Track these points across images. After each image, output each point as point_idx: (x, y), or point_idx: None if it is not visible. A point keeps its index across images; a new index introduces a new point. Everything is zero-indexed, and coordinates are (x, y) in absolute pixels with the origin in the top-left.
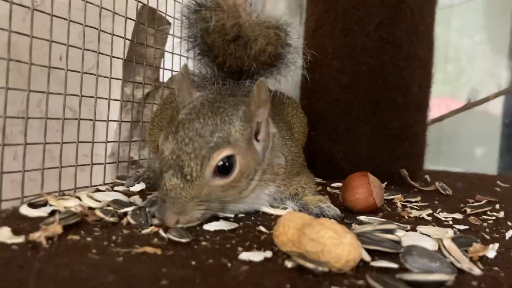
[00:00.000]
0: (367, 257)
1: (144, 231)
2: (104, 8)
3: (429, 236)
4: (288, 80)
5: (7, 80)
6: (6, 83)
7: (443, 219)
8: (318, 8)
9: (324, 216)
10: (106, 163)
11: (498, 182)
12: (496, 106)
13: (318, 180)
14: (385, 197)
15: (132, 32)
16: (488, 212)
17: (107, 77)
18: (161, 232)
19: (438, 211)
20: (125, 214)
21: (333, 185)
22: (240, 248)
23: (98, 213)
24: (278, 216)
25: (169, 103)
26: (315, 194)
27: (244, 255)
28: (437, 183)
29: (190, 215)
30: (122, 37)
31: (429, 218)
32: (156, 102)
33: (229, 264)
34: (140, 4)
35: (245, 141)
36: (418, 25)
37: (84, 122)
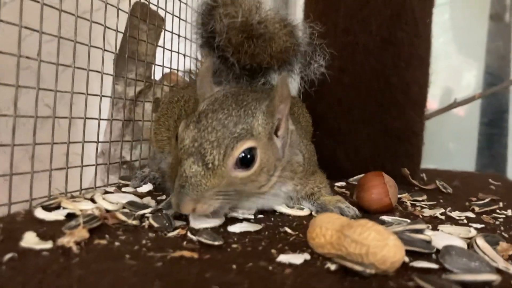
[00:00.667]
0: (406, 258)
1: (169, 234)
2: None
3: (452, 235)
4: (310, 76)
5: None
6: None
7: (457, 218)
8: (319, 7)
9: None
10: (99, 164)
11: (490, 180)
12: (475, 105)
13: None
14: None
15: (125, 28)
16: (498, 211)
17: (99, 72)
18: (190, 235)
19: (448, 209)
20: (143, 216)
21: (337, 184)
22: (273, 251)
23: (120, 216)
24: (296, 217)
25: (175, 102)
26: (331, 194)
27: (283, 258)
28: (437, 182)
29: (208, 204)
30: (114, 30)
31: (443, 217)
32: (149, 100)
33: (270, 267)
34: (133, 0)
35: (266, 136)
36: (418, 26)
37: (62, 121)
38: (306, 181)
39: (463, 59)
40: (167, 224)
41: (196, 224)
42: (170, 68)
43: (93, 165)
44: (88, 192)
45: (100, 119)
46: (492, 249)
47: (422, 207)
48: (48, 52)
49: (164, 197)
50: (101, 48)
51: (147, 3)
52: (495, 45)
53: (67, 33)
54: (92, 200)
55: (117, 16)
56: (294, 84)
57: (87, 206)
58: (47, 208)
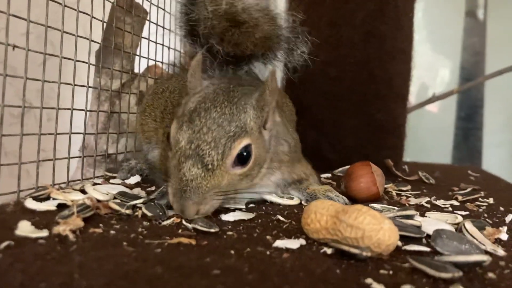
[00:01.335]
0: (398, 242)
1: (164, 223)
2: None
3: (440, 221)
4: (293, 63)
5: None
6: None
7: (442, 206)
8: (304, 1)
9: None
10: (85, 156)
11: (469, 171)
12: (451, 100)
13: None
14: None
15: (108, 20)
16: (480, 199)
17: (86, 63)
18: (185, 223)
19: (433, 198)
20: (135, 206)
21: (323, 176)
22: (268, 237)
23: (113, 205)
24: (287, 206)
25: (160, 93)
26: (319, 183)
27: (279, 243)
28: (420, 173)
29: (210, 205)
30: (100, 20)
31: (428, 205)
32: (132, 92)
33: (267, 252)
34: None
35: (257, 130)
36: (401, 20)
37: (38, 114)
38: (293, 169)
39: (439, 55)
40: (160, 213)
41: None
42: (155, 61)
43: (80, 157)
44: (76, 184)
45: (87, 111)
46: (480, 233)
47: (407, 196)
48: (23, 44)
49: (154, 188)
50: (86, 38)
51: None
52: (470, 41)
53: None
54: (82, 191)
55: (104, 7)
56: (278, 73)
57: (77, 196)
58: (37, 199)
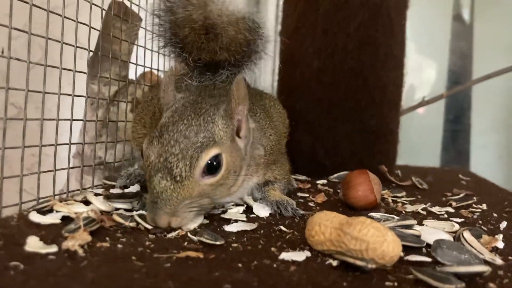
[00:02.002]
0: (401, 253)
1: (169, 235)
2: None
3: (438, 229)
4: (265, 77)
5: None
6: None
7: (438, 213)
8: (298, 8)
9: (281, 213)
10: (84, 166)
11: (460, 175)
12: (439, 103)
13: (303, 177)
14: None
15: (101, 27)
16: (473, 205)
17: (81, 72)
18: (190, 235)
19: (428, 205)
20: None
21: (319, 182)
22: (273, 249)
23: (117, 218)
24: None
25: (150, 100)
26: (283, 192)
27: (285, 255)
28: (413, 178)
29: (182, 217)
30: (88, 25)
31: (424, 212)
32: (125, 100)
33: (274, 265)
34: None
35: (228, 139)
36: (394, 28)
37: (30, 121)
38: (266, 170)
39: (427, 58)
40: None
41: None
42: (151, 68)
43: (79, 167)
44: (77, 195)
45: (86, 120)
46: (478, 242)
47: (403, 203)
48: (13, 50)
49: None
50: (72, 46)
51: (129, 1)
52: (458, 45)
53: (33, 30)
54: (84, 202)
55: (102, 16)
56: (267, 76)
57: (80, 208)
58: (41, 212)
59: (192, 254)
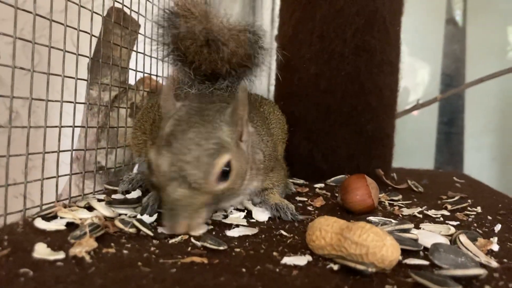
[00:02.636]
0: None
1: (172, 240)
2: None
3: (435, 233)
4: (261, 80)
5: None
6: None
7: (434, 216)
8: (295, 15)
9: (280, 216)
10: (92, 171)
11: (454, 178)
12: (433, 106)
13: (301, 181)
14: None
15: (100, 33)
16: (468, 208)
17: (82, 79)
18: (194, 241)
19: (424, 208)
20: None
21: (317, 186)
22: (275, 253)
23: (118, 224)
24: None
25: (150, 107)
26: (281, 195)
27: (287, 260)
28: (409, 181)
29: (198, 220)
30: (88, 33)
31: (421, 216)
32: (124, 105)
33: (277, 270)
34: (108, 4)
35: (235, 144)
36: (389, 33)
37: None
38: (265, 177)
39: (421, 61)
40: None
41: None
42: (150, 74)
43: (80, 173)
44: (80, 201)
45: (75, 127)
46: (474, 245)
47: (400, 207)
48: (9, 54)
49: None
50: (74, 53)
51: (127, 8)
52: (451, 48)
53: (29, 34)
54: (87, 208)
55: (102, 23)
56: (263, 80)
57: (84, 214)
58: (45, 218)
59: (197, 259)
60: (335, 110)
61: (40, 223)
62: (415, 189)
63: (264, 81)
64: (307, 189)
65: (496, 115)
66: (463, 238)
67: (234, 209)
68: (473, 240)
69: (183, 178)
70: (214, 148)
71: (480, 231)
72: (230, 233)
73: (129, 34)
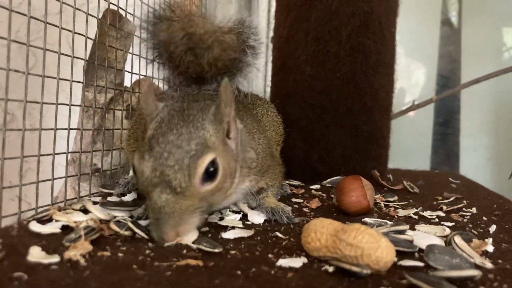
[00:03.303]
0: (394, 258)
1: (167, 244)
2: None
3: (430, 234)
4: (249, 80)
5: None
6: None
7: (429, 217)
8: (290, 17)
9: (276, 220)
10: (88, 173)
11: (450, 178)
12: (429, 107)
13: (297, 183)
14: None
15: (95, 35)
16: (464, 209)
17: (78, 81)
18: (189, 243)
19: (420, 209)
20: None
21: (313, 187)
22: (270, 255)
23: (113, 226)
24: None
25: (142, 113)
26: (276, 197)
27: (283, 262)
28: (404, 182)
29: (189, 225)
30: (84, 35)
31: (416, 217)
32: (120, 107)
33: (272, 272)
34: (104, 6)
35: (221, 142)
36: (384, 35)
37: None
38: (260, 178)
39: (416, 62)
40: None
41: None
42: (145, 75)
43: (76, 175)
44: (75, 204)
45: (70, 129)
46: (469, 246)
47: (395, 208)
48: (4, 56)
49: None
50: (69, 56)
51: (123, 10)
52: (446, 49)
53: (25, 36)
54: (83, 211)
55: (98, 23)
56: (259, 81)
57: (79, 217)
58: (40, 221)
59: (192, 262)
60: (330, 111)
61: (35, 226)
62: (410, 190)
63: (260, 82)
64: (303, 191)
65: (491, 115)
66: (458, 239)
67: (230, 211)
68: (468, 241)
69: (166, 183)
70: (196, 149)
71: (475, 232)
72: (226, 235)
73: (124, 36)
